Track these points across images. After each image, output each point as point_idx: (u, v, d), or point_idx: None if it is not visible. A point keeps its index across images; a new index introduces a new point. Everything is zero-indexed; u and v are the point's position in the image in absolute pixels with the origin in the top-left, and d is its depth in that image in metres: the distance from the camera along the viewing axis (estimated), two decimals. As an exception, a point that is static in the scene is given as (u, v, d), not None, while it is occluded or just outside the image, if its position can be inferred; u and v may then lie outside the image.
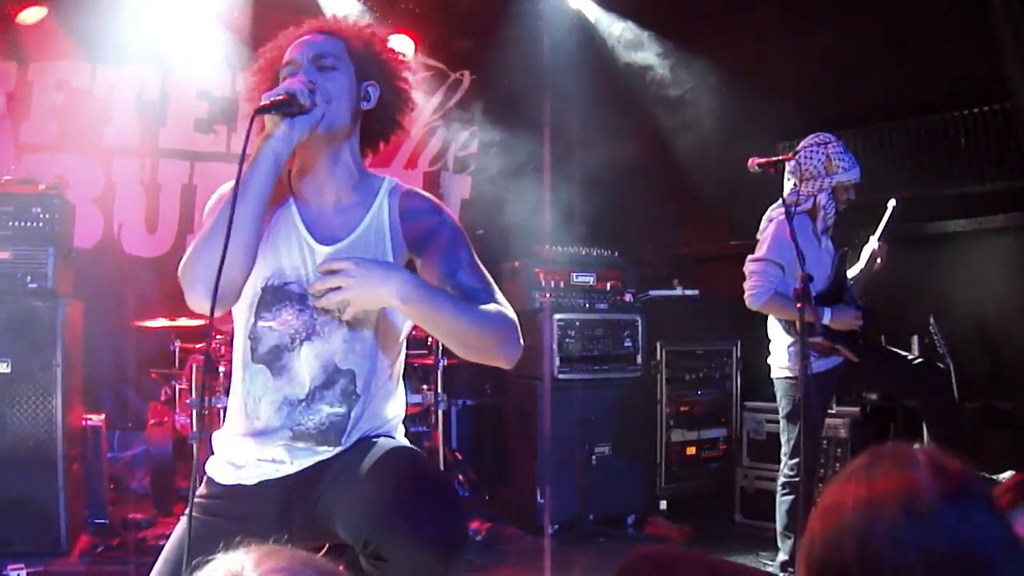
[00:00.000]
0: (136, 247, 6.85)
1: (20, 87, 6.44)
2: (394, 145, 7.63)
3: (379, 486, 2.18)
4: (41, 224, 5.01)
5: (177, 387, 5.84)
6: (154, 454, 5.84)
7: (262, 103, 2.20)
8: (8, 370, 4.83)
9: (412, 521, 2.09)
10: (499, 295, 2.43)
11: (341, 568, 1.15)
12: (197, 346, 5.62)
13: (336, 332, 2.41)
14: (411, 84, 2.65)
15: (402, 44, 7.26)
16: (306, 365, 2.41)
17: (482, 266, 2.51)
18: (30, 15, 6.18)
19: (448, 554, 2.11)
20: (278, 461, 2.41)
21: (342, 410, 2.41)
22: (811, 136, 4.71)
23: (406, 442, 2.59)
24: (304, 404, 2.40)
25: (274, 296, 2.41)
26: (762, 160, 4.28)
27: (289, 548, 1.13)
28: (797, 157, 4.63)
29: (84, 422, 5.37)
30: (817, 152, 4.62)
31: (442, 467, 5.85)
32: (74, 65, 6.55)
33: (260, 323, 2.42)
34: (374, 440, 2.43)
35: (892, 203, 4.95)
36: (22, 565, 4.51)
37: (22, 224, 4.98)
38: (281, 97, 2.21)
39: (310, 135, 2.31)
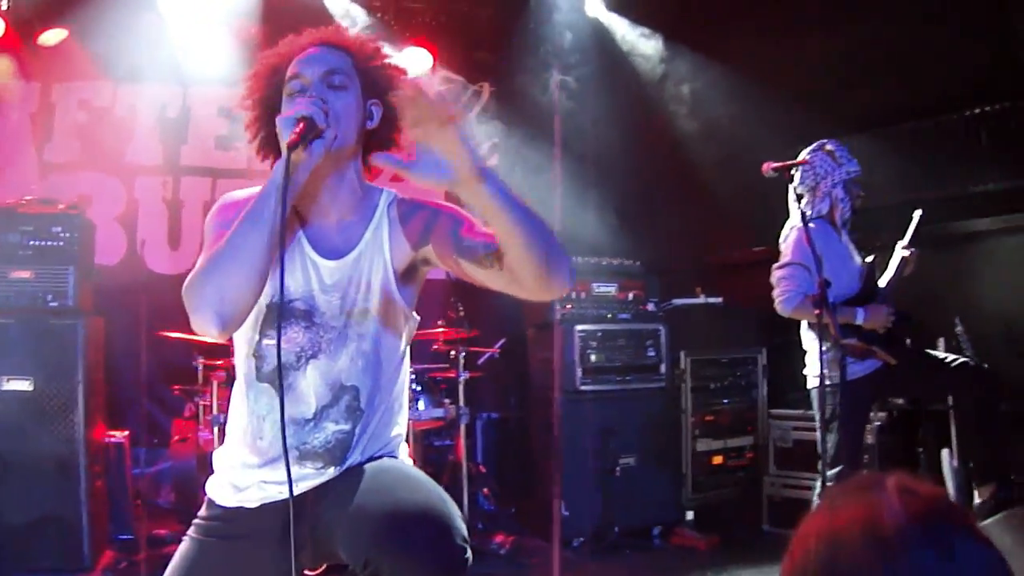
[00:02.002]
0: (159, 264, 6.90)
1: (43, 108, 6.51)
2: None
3: (379, 506, 2.16)
4: (61, 243, 5.05)
5: (200, 403, 5.87)
6: (178, 470, 5.87)
7: (291, 138, 2.12)
8: (31, 388, 4.85)
9: (409, 542, 2.08)
10: None
11: None
12: (219, 362, 5.63)
13: (342, 349, 2.38)
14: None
15: (421, 57, 7.29)
16: (312, 384, 2.38)
17: None
18: (51, 36, 6.26)
19: (445, 575, 2.10)
20: (283, 483, 2.38)
21: (347, 427, 2.38)
22: (809, 147, 4.72)
23: (408, 461, 2.57)
24: (313, 424, 2.38)
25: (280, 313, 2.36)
26: (777, 164, 4.29)
27: None
28: (801, 168, 4.61)
29: (107, 438, 5.40)
30: (818, 154, 4.70)
31: (466, 481, 5.83)
32: (96, 85, 6.62)
33: (265, 341, 2.39)
34: (376, 460, 2.42)
35: (918, 213, 4.90)
36: (45, 581, 4.53)
37: (43, 243, 5.02)
38: (299, 129, 2.13)
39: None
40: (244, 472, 2.42)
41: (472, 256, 2.24)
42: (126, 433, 5.63)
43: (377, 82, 2.45)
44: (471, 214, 2.35)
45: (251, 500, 2.40)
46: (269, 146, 2.47)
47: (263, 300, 2.35)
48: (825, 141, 4.72)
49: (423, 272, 2.50)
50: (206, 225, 2.43)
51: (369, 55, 2.47)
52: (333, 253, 2.40)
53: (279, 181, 2.15)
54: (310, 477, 2.38)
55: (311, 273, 2.39)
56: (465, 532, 2.17)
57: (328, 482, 2.38)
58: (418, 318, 2.54)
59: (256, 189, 2.37)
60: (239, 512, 2.41)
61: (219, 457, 2.53)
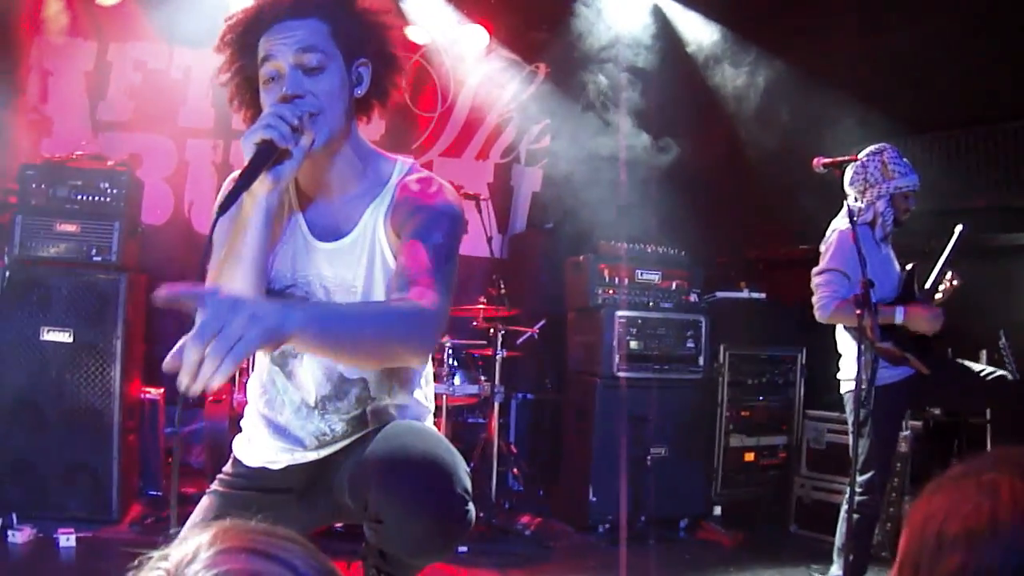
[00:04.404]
0: (206, 226, 6.89)
1: (98, 66, 6.57)
2: (466, 136, 7.75)
3: (381, 453, 2.16)
4: (109, 199, 5.12)
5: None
6: (211, 430, 5.90)
7: (239, 180, 1.98)
8: (70, 339, 4.94)
9: (406, 486, 2.08)
10: (436, 282, 2.08)
11: (302, 539, 1.09)
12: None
13: None
14: (401, 45, 2.41)
15: (478, 35, 7.28)
16: (310, 373, 2.35)
17: (449, 252, 2.20)
18: (110, -3, 6.30)
19: (443, 523, 2.09)
20: (307, 451, 2.41)
21: (358, 412, 2.38)
22: (869, 147, 4.60)
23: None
24: (318, 413, 2.37)
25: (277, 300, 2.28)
26: (827, 160, 4.20)
27: (252, 523, 1.06)
28: (854, 168, 4.51)
29: (142, 394, 5.47)
30: (873, 159, 4.51)
31: (496, 459, 5.82)
32: (152, 46, 6.67)
33: None
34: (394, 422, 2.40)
35: (959, 229, 4.78)
36: (72, 530, 4.60)
37: (90, 198, 5.09)
38: (247, 168, 1.98)
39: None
40: (268, 439, 2.44)
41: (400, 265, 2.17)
42: (161, 390, 5.68)
43: (361, 41, 2.27)
44: (443, 226, 2.24)
45: (277, 463, 2.43)
46: None
47: (267, 286, 2.30)
48: (885, 147, 4.56)
49: None
50: (219, 197, 2.22)
51: (345, 14, 2.25)
52: (331, 234, 2.31)
53: (259, 218, 2.09)
54: (331, 447, 2.41)
55: (307, 256, 2.31)
56: (468, 485, 2.15)
57: (347, 444, 2.40)
58: None
59: None
60: (264, 472, 2.45)
61: (246, 419, 2.55)
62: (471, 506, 2.15)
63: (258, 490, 2.42)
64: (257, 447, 2.46)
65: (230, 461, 2.55)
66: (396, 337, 1.98)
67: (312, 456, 2.40)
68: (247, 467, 2.47)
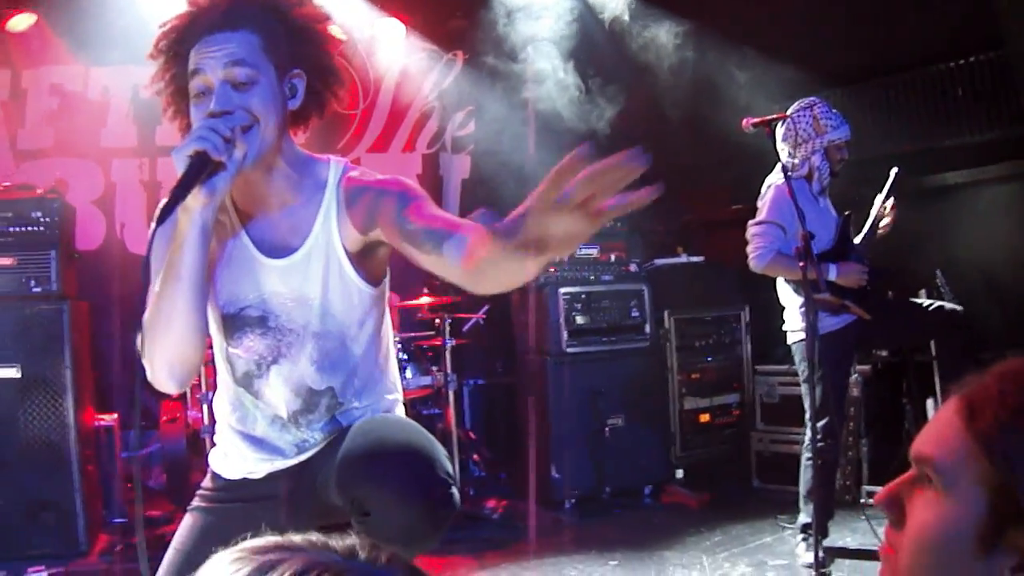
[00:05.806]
0: (140, 246, 6.83)
1: (14, 95, 6.43)
2: (391, 130, 7.73)
3: (361, 446, 2.17)
4: (42, 228, 5.03)
5: (188, 382, 5.82)
6: (168, 451, 5.86)
7: (173, 191, 1.94)
8: (18, 375, 4.85)
9: (388, 474, 2.08)
10: (461, 221, 2.03)
11: None
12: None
13: (302, 353, 2.31)
14: (339, 53, 2.39)
15: (394, 28, 7.25)
16: (277, 390, 2.34)
17: (441, 210, 2.15)
18: (19, 22, 6.14)
19: (429, 509, 2.08)
20: (286, 456, 2.41)
21: (328, 417, 2.39)
22: (797, 102, 4.68)
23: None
24: (294, 425, 2.38)
25: (233, 323, 2.31)
26: (756, 120, 4.26)
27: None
28: (786, 124, 4.59)
29: (97, 422, 5.39)
30: (804, 115, 4.58)
31: (456, 448, 5.85)
32: (67, 69, 6.53)
33: (230, 348, 2.35)
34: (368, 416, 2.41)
35: (895, 171, 4.88)
36: (43, 568, 4.54)
37: (23, 229, 5.00)
38: (181, 180, 1.95)
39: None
40: (247, 451, 2.43)
41: (413, 241, 2.08)
42: (115, 416, 5.62)
43: (295, 52, 2.24)
44: (420, 192, 2.22)
45: (257, 472, 2.42)
46: None
47: (218, 311, 2.32)
48: (815, 101, 4.62)
49: (386, 248, 2.33)
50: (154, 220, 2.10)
51: (278, 25, 2.21)
52: (281, 251, 2.28)
53: (194, 235, 2.05)
54: (308, 454, 2.41)
55: (260, 275, 2.29)
56: (449, 468, 2.16)
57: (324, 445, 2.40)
58: (387, 289, 2.45)
59: None
60: (245, 482, 2.43)
61: (219, 434, 2.54)
62: (455, 489, 2.15)
63: (241, 501, 2.41)
64: (235, 460, 2.45)
65: (208, 476, 2.53)
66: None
67: (292, 462, 2.40)
68: (227, 480, 2.45)
